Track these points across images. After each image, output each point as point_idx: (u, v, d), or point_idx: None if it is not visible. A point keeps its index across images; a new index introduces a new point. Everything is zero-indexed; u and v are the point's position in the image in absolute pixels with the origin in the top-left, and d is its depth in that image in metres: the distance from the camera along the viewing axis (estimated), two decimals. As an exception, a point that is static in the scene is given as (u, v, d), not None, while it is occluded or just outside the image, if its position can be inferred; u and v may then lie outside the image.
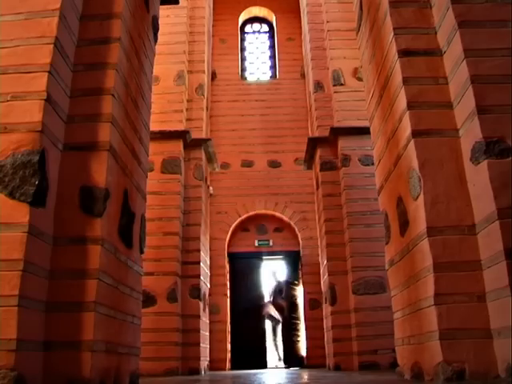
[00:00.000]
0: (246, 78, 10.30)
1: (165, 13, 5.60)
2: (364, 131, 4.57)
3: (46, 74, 1.94)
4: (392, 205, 2.76)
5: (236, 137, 9.19)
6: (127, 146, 2.49)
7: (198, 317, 5.57)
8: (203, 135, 6.41)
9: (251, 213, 8.74)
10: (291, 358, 8.20)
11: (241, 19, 10.70)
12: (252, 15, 10.87)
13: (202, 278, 5.81)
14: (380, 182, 3.06)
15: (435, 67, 2.42)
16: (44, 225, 1.88)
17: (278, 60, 10.32)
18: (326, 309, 5.97)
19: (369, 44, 3.17)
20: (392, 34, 2.56)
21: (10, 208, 1.76)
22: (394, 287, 2.80)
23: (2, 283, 1.67)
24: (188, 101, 6.41)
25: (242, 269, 8.84)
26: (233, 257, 8.77)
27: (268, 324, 8.49)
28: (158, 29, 3.28)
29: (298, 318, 8.44)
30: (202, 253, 5.93)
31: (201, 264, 5.83)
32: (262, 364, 8.12)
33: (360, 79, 5.81)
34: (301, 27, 8.62)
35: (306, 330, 8.14)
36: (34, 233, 1.78)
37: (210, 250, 7.56)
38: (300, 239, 8.58)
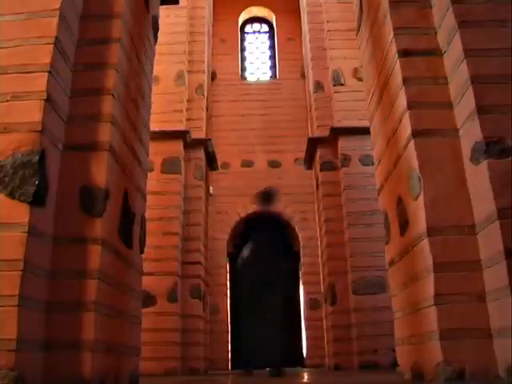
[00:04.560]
0: (246, 78, 10.30)
1: (165, 13, 5.60)
2: (364, 131, 4.57)
3: (46, 74, 1.94)
4: (392, 205, 2.76)
5: (236, 137, 9.20)
6: (127, 146, 2.49)
7: (198, 317, 5.58)
8: (203, 135, 6.42)
9: (251, 213, 8.74)
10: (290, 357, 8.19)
11: (241, 19, 10.70)
12: (252, 15, 10.87)
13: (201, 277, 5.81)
14: (380, 181, 3.06)
15: (435, 67, 2.41)
16: (44, 225, 1.88)
17: (278, 60, 10.32)
18: (326, 309, 5.97)
19: (369, 44, 3.16)
20: (392, 34, 2.56)
21: (10, 208, 1.76)
22: (394, 287, 2.80)
23: (2, 283, 1.67)
24: (188, 101, 6.41)
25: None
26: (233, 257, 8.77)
27: None
28: (158, 29, 3.28)
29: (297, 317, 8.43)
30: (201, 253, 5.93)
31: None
32: (263, 364, 8.11)
33: (360, 79, 5.80)
34: (301, 27, 8.62)
35: (306, 330, 8.14)
36: (34, 233, 1.78)
37: (210, 250, 7.56)
38: (300, 239, 8.59)
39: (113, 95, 2.23)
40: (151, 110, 3.12)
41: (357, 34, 3.51)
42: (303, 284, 8.48)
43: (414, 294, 2.41)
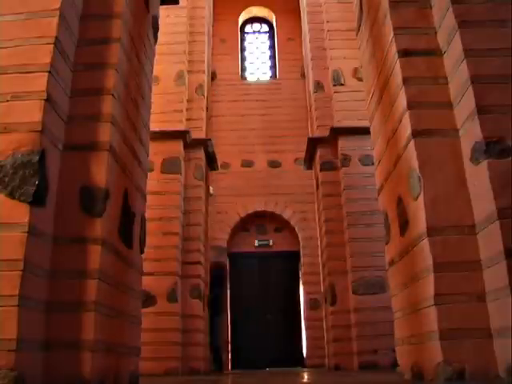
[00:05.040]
0: (246, 78, 10.31)
1: (165, 13, 5.60)
2: (364, 131, 4.57)
3: (46, 74, 1.94)
4: (392, 205, 2.76)
5: (236, 137, 9.20)
6: (127, 146, 2.49)
7: (198, 317, 5.57)
8: (203, 135, 6.41)
9: (251, 213, 8.75)
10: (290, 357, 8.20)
11: (241, 19, 10.70)
12: (252, 15, 10.88)
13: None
14: (380, 181, 3.06)
15: (435, 67, 2.41)
16: (44, 225, 1.88)
17: (278, 60, 10.32)
18: (326, 309, 5.97)
19: (369, 44, 3.17)
20: (392, 34, 2.56)
21: (10, 208, 1.76)
22: (394, 287, 2.80)
23: (2, 283, 1.67)
24: (188, 101, 6.41)
25: (242, 269, 8.84)
26: (233, 257, 8.78)
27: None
28: (157, 29, 3.28)
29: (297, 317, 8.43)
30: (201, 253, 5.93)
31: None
32: (263, 364, 8.12)
33: (360, 79, 5.80)
34: (301, 27, 8.62)
35: (306, 330, 8.14)
36: (34, 233, 1.78)
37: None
38: (300, 239, 8.59)
39: (113, 95, 2.23)
40: (151, 110, 3.12)
41: (357, 34, 3.51)
42: (303, 284, 8.48)
43: (413, 294, 2.41)
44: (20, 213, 1.75)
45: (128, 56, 2.53)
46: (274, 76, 10.34)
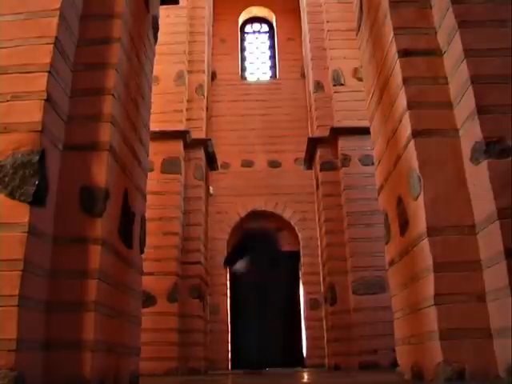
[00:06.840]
0: (246, 78, 10.31)
1: (165, 13, 5.60)
2: (364, 131, 4.57)
3: (46, 74, 1.94)
4: (392, 205, 2.76)
5: (236, 137, 9.20)
6: (127, 146, 2.49)
7: (198, 317, 5.57)
8: (203, 135, 6.41)
9: (251, 212, 8.75)
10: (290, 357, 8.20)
11: (241, 19, 10.71)
12: (252, 15, 10.88)
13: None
14: (380, 182, 3.06)
15: (435, 67, 2.41)
16: (44, 225, 1.88)
17: (278, 60, 10.32)
18: (326, 309, 5.97)
19: (369, 44, 3.17)
20: (392, 34, 2.56)
21: (10, 208, 1.76)
22: (394, 287, 2.80)
23: (2, 283, 1.67)
24: (188, 101, 6.41)
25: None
26: (233, 257, 8.76)
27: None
28: (158, 29, 3.28)
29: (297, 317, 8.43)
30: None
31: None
32: (263, 364, 8.10)
33: (360, 79, 5.80)
34: (301, 27, 8.62)
35: (306, 330, 8.15)
36: (34, 233, 1.78)
37: (210, 250, 7.56)
38: (300, 239, 8.59)
39: (113, 95, 2.23)
40: (151, 110, 3.12)
41: (357, 34, 3.51)
42: (303, 284, 8.48)
43: (413, 294, 2.41)
44: (20, 213, 1.75)
45: (128, 56, 2.53)
46: (274, 76, 10.34)
